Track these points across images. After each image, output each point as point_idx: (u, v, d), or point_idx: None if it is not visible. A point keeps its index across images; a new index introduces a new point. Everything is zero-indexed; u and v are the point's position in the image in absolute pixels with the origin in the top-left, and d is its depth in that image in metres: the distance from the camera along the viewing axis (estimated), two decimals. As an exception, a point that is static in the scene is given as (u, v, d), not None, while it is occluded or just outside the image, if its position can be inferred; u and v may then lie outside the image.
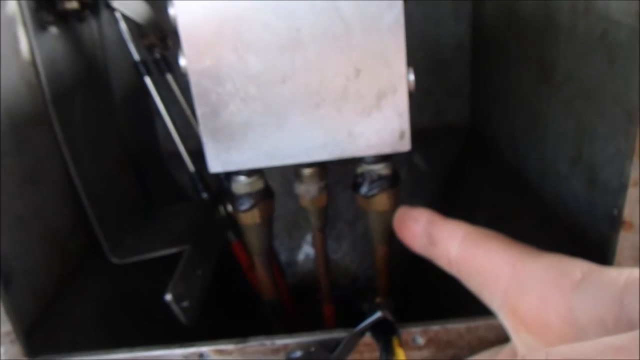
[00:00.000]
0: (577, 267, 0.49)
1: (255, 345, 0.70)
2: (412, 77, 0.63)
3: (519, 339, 0.55)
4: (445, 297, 0.93)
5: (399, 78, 0.63)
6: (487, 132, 1.51)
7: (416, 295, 1.33)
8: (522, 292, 0.52)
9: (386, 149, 0.67)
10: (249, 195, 0.77)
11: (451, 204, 1.58)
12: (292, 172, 0.81)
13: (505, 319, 0.56)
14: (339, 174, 1.75)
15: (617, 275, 0.44)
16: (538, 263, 0.52)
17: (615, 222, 0.66)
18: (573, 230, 0.90)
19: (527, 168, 1.14)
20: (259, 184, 0.77)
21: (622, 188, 0.65)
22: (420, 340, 0.70)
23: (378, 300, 0.85)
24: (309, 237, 1.73)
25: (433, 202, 1.69)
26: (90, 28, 1.16)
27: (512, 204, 1.21)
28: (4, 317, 0.65)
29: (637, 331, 0.33)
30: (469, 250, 0.58)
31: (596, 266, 0.48)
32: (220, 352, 0.70)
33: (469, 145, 1.65)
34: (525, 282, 0.52)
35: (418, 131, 1.67)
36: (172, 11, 0.60)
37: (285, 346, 0.70)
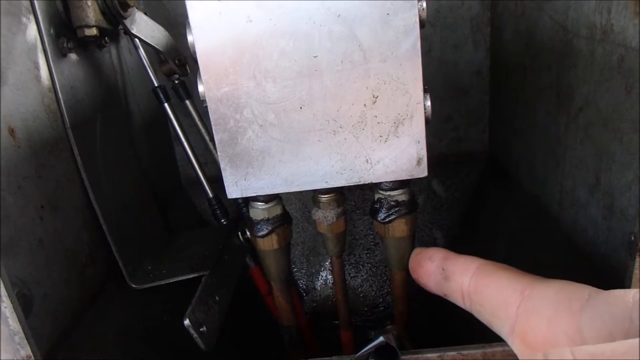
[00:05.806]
0: (585, 290, 0.50)
1: (272, 370, 0.71)
2: (428, 103, 0.63)
3: None
4: (462, 323, 0.93)
5: (416, 104, 0.63)
6: (505, 158, 1.50)
7: (433, 320, 1.32)
8: (531, 317, 0.53)
9: (403, 175, 0.67)
10: (266, 221, 0.77)
11: (470, 231, 1.58)
12: (310, 198, 0.81)
13: (515, 346, 0.56)
14: (357, 200, 1.76)
15: (624, 295, 0.45)
16: (546, 288, 0.53)
17: (632, 249, 0.66)
18: (591, 257, 0.90)
19: (546, 195, 1.14)
20: (276, 210, 0.77)
21: (640, 214, 0.64)
22: (436, 366, 0.70)
23: (389, 326, 0.85)
24: (327, 263, 1.73)
25: (451, 228, 1.69)
26: (109, 55, 1.17)
27: (530, 231, 1.21)
28: (24, 341, 0.65)
29: None
30: (481, 282, 0.60)
31: (602, 290, 0.49)
32: (238, 377, 0.71)
33: (488, 171, 1.65)
34: (534, 307, 0.53)
35: (437, 157, 1.67)
36: (190, 38, 0.60)
37: (302, 371, 0.70)
